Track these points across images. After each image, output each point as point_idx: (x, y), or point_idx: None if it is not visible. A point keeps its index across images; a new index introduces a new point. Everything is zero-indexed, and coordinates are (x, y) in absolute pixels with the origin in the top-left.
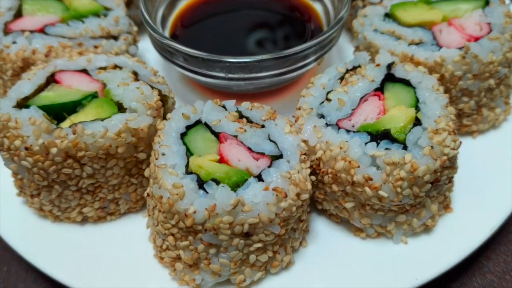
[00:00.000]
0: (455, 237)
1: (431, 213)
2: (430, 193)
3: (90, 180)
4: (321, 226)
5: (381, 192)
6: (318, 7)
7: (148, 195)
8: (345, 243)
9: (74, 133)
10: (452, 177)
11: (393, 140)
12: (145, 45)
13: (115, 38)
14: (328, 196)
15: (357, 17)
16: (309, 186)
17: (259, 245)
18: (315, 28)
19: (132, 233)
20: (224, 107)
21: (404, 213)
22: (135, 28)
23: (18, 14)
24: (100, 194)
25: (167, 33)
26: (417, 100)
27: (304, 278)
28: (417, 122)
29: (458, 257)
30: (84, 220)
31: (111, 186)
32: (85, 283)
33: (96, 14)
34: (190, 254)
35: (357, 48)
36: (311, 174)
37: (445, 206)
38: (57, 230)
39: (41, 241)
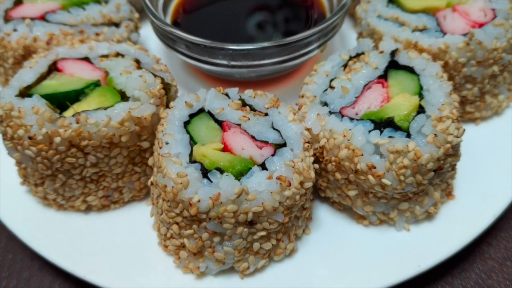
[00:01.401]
0: (457, 224)
1: (433, 201)
2: (433, 180)
3: (94, 169)
4: (324, 214)
5: (384, 180)
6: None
7: (152, 183)
8: (348, 230)
9: (77, 122)
10: (455, 164)
11: (397, 128)
12: (147, 32)
13: (117, 25)
14: (331, 184)
15: (361, 2)
16: (313, 175)
17: (263, 233)
18: (318, 15)
19: (136, 221)
20: (227, 95)
21: (407, 200)
22: (136, 15)
23: (19, 1)
24: (104, 183)
25: (168, 20)
26: (421, 88)
27: (307, 265)
28: (420, 109)
29: (460, 245)
30: (88, 209)
31: (115, 174)
32: (89, 270)
33: (97, 1)
34: (194, 243)
35: (360, 35)
36: (314, 162)
37: (448, 193)
38: (61, 218)
39: (45, 229)
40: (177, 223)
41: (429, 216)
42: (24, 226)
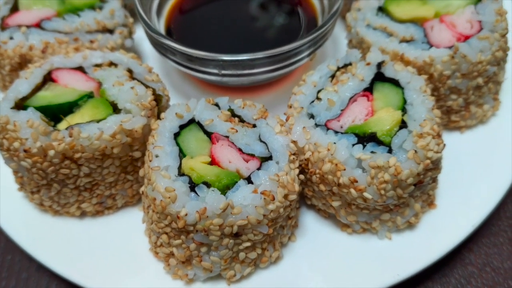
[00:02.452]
0: (438, 233)
1: (414, 212)
2: (413, 193)
3: (88, 179)
4: (310, 221)
5: (365, 194)
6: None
7: (143, 193)
8: (332, 237)
9: (70, 136)
10: (436, 177)
11: (379, 142)
12: (141, 35)
13: (111, 31)
14: (316, 194)
15: (351, 10)
16: (297, 188)
17: (248, 243)
18: (309, 19)
19: (129, 226)
20: (217, 104)
21: (388, 211)
22: (130, 20)
23: (15, 8)
24: (98, 191)
25: (162, 23)
26: (405, 101)
27: (292, 272)
28: (403, 124)
29: (439, 253)
30: (83, 214)
31: (108, 183)
32: (83, 274)
33: (92, 7)
34: (182, 252)
35: (350, 42)
36: (300, 172)
37: (429, 203)
38: (57, 223)
39: (41, 233)
40: (166, 233)
41: (410, 225)
42: (21, 230)
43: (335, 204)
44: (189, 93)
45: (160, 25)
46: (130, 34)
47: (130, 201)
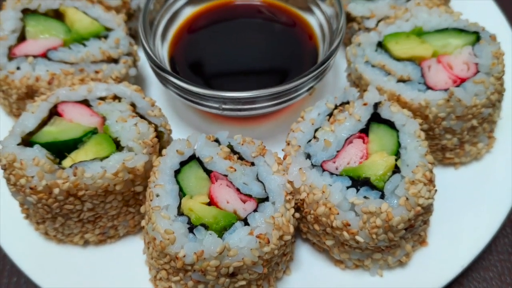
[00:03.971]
0: (428, 271)
1: (405, 252)
2: (404, 236)
3: (91, 213)
4: (305, 254)
5: (357, 237)
6: (314, 25)
7: (144, 227)
8: (326, 272)
9: (75, 175)
10: (427, 219)
11: (373, 187)
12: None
13: (116, 61)
14: (311, 231)
15: (351, 44)
16: (292, 229)
17: (244, 282)
18: (310, 50)
19: (130, 255)
20: (217, 140)
21: (380, 252)
22: (135, 48)
23: (22, 37)
24: (100, 223)
25: (166, 47)
26: (399, 145)
27: None
28: (396, 169)
29: None
30: (86, 243)
31: (110, 216)
32: None
33: (97, 36)
34: None
35: (349, 75)
36: (296, 210)
37: (421, 241)
38: (61, 251)
39: (45, 260)
40: (165, 269)
41: (401, 263)
42: (26, 257)
43: (329, 243)
44: (191, 118)
45: (164, 50)
46: (135, 62)
47: (131, 230)
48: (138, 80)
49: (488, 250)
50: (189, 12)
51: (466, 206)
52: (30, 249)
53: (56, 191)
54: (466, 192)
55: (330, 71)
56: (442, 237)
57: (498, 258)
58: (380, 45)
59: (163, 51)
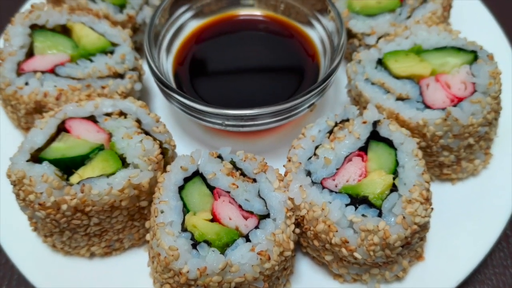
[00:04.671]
0: (425, 286)
1: (402, 267)
2: (401, 252)
3: (97, 227)
4: (305, 267)
5: (356, 254)
6: (316, 39)
7: (148, 242)
8: (325, 285)
9: (82, 192)
10: (424, 235)
11: (371, 205)
12: None
13: (122, 76)
14: (311, 246)
15: (352, 61)
16: (292, 246)
17: None
18: (311, 65)
19: (135, 267)
20: (220, 156)
21: (378, 267)
22: (140, 62)
23: (30, 53)
24: (106, 236)
25: (171, 60)
26: (397, 163)
27: None
28: (394, 188)
29: None
30: (92, 255)
31: (116, 229)
32: None
33: (103, 51)
34: None
35: (349, 91)
36: (296, 226)
37: (418, 256)
38: (68, 262)
39: (52, 272)
40: (169, 283)
41: (398, 278)
42: (33, 269)
43: (328, 258)
44: (194, 130)
45: (169, 63)
46: (140, 77)
47: (136, 243)
48: (143, 92)
49: (484, 264)
50: (194, 25)
51: (463, 221)
52: (37, 260)
53: (64, 207)
54: (463, 207)
55: (331, 87)
56: (438, 252)
57: (493, 271)
58: (380, 62)
59: (167, 64)
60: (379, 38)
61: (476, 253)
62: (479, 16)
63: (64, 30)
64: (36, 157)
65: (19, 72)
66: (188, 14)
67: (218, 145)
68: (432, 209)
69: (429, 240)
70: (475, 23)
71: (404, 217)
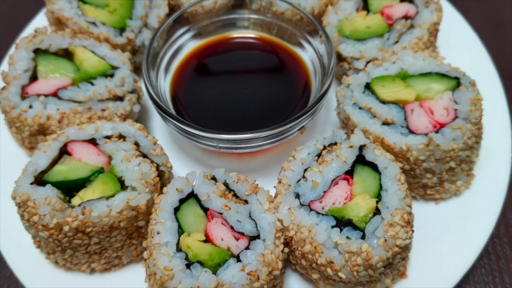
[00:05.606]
0: None
1: (385, 285)
2: (384, 271)
3: (97, 246)
4: (294, 283)
5: (340, 274)
6: (307, 60)
7: (145, 260)
8: None
9: (83, 214)
10: (406, 256)
11: (355, 227)
12: None
13: (121, 98)
14: (299, 264)
15: (341, 85)
16: (280, 265)
17: None
18: (303, 86)
19: (133, 282)
20: (214, 178)
21: (362, 285)
22: (138, 84)
23: (34, 76)
24: (106, 254)
25: (169, 80)
26: (381, 187)
27: None
28: (377, 211)
29: None
30: (92, 271)
31: (115, 247)
32: None
33: (104, 74)
34: None
35: (338, 114)
36: (285, 245)
37: (401, 274)
38: (69, 278)
39: (55, 286)
40: None
41: None
42: (36, 283)
43: (315, 276)
44: (191, 148)
45: (166, 83)
46: (138, 99)
47: (134, 259)
48: (141, 110)
49: (466, 279)
50: (192, 46)
51: (445, 239)
52: (40, 275)
53: (66, 228)
54: (446, 225)
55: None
56: (421, 269)
57: (474, 287)
58: (368, 86)
59: (165, 84)
60: (368, 62)
61: (458, 270)
62: (466, 40)
63: (66, 53)
64: (40, 180)
65: (24, 96)
66: (186, 36)
67: (214, 163)
68: (413, 231)
69: (413, 257)
70: (462, 46)
71: (386, 239)
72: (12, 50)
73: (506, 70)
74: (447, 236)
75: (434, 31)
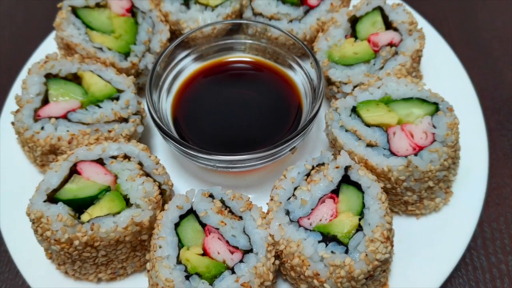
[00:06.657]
0: None
1: None
2: (366, 283)
3: (104, 258)
4: None
5: (325, 285)
6: (298, 82)
7: (148, 271)
8: None
9: (92, 230)
10: (387, 268)
11: (339, 242)
12: None
13: (126, 120)
14: (289, 275)
15: (330, 108)
16: (271, 277)
17: None
18: (295, 106)
19: None
20: (211, 195)
21: None
22: (142, 106)
23: (45, 99)
24: (112, 265)
25: (170, 100)
26: (364, 205)
27: None
28: (359, 228)
29: None
30: (99, 280)
31: (120, 259)
32: None
33: (110, 97)
34: None
35: (327, 135)
36: (276, 258)
37: (382, 285)
38: (78, 286)
39: None
40: None
41: None
42: None
43: (303, 286)
44: (190, 165)
45: (168, 103)
46: (142, 120)
47: (138, 269)
48: (144, 129)
49: None
50: (192, 69)
51: (425, 251)
52: (51, 284)
53: (76, 242)
54: (426, 238)
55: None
56: (403, 279)
57: None
58: (355, 110)
59: (167, 104)
60: (355, 86)
61: (438, 279)
62: (448, 63)
63: (75, 77)
64: (52, 197)
65: (36, 118)
66: (187, 59)
67: (212, 179)
68: (392, 246)
69: (394, 268)
70: (444, 69)
71: (367, 254)
72: (23, 73)
73: (486, 91)
74: (427, 248)
75: (417, 58)
